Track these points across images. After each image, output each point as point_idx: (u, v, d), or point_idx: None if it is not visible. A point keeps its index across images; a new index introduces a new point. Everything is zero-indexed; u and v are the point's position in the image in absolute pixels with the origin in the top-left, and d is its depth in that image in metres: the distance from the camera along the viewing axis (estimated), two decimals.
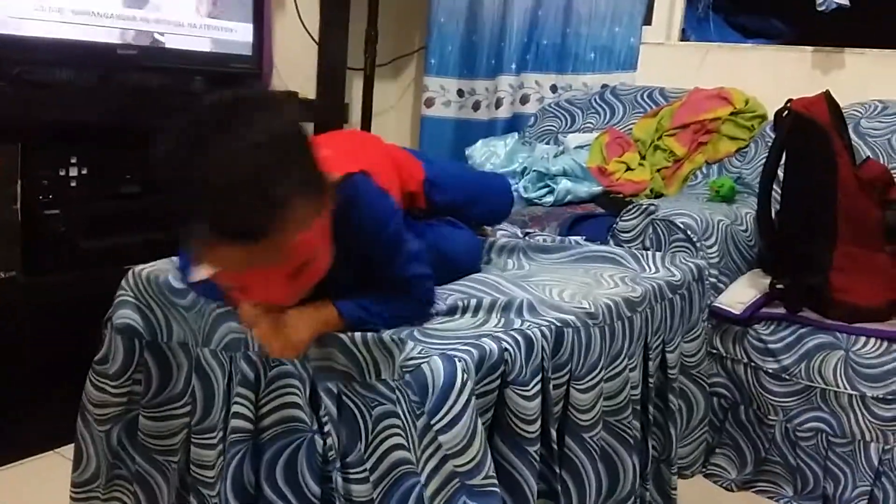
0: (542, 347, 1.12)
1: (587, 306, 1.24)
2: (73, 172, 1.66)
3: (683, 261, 1.59)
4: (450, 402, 0.97)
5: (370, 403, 1.04)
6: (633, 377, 1.36)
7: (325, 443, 1.08)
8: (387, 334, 1.04)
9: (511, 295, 1.24)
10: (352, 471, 1.06)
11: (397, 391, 1.02)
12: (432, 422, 0.97)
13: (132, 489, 1.27)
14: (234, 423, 1.11)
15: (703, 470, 1.77)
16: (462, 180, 1.47)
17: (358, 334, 1.04)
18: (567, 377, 1.18)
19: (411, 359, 1.00)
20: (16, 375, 1.71)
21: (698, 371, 1.63)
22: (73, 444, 1.30)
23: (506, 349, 1.07)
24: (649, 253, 1.63)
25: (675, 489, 1.54)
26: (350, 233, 1.03)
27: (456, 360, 0.99)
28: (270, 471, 1.12)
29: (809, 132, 1.70)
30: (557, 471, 1.17)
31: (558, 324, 1.16)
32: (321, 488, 1.08)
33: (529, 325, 1.13)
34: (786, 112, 1.77)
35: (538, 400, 1.11)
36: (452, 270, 1.28)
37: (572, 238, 1.70)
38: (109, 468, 1.27)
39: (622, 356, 1.31)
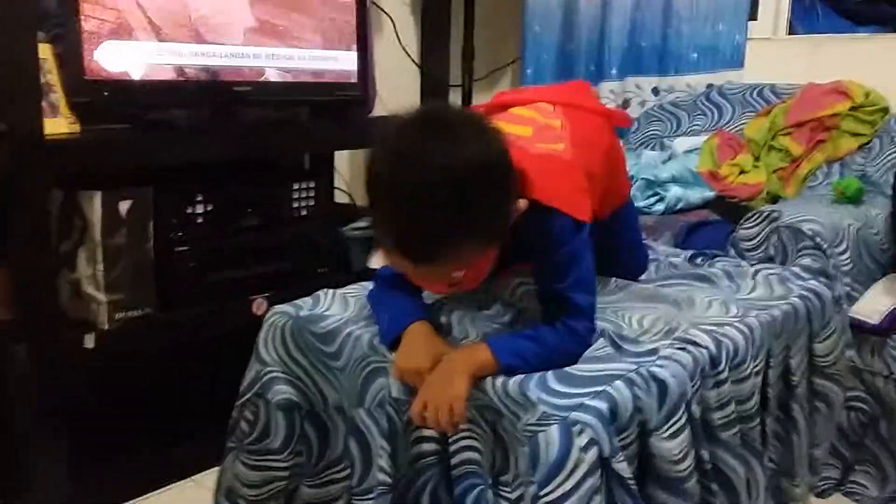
0: (671, 387, 1.07)
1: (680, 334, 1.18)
2: (200, 209, 1.73)
3: (799, 269, 1.51)
4: (560, 478, 0.94)
5: (518, 437, 1.03)
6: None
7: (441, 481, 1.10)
8: (515, 388, 1.02)
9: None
10: (503, 490, 1.05)
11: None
12: (541, 492, 0.95)
13: None
14: (380, 476, 1.11)
15: (843, 488, 1.69)
16: None
17: (489, 387, 1.04)
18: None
19: (531, 424, 0.98)
20: (154, 408, 1.79)
21: (835, 368, 1.54)
22: (208, 471, 1.33)
23: (637, 396, 1.03)
24: (748, 268, 1.50)
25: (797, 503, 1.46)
26: (528, 241, 1.07)
27: (574, 433, 0.95)
28: None
29: None
30: (716, 488, 1.13)
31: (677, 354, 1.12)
32: None
33: (650, 364, 1.08)
34: None
35: (682, 435, 1.07)
36: None
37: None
38: None
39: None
